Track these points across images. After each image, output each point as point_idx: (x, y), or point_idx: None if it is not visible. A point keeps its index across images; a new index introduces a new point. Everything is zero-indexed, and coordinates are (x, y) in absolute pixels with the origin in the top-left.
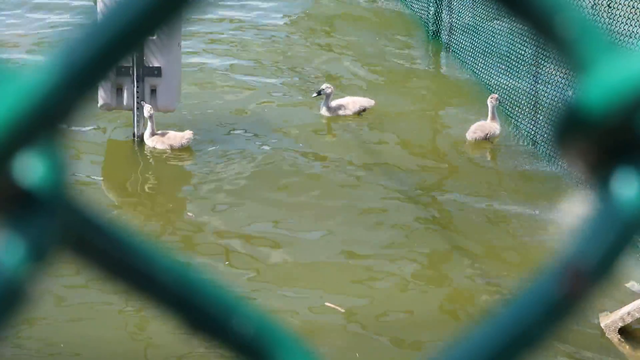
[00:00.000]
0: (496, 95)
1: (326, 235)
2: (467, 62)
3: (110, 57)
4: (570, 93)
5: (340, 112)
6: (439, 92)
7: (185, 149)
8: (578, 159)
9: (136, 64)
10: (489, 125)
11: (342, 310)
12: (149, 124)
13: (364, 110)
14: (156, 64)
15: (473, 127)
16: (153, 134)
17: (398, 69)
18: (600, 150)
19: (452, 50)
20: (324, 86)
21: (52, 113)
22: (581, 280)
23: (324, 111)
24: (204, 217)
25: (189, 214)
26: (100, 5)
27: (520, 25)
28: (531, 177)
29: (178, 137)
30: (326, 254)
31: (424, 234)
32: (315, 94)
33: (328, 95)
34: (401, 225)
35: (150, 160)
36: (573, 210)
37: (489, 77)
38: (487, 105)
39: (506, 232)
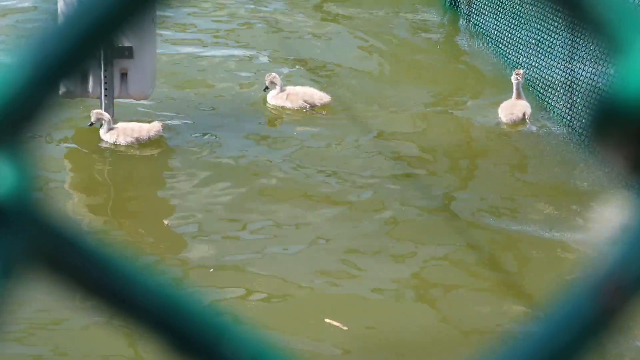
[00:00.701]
0: (522, 71)
1: (325, 243)
2: (491, 35)
3: (79, 53)
4: (610, 73)
5: (284, 104)
6: (455, 71)
7: (154, 143)
8: (616, 155)
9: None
10: (521, 104)
11: (345, 328)
12: (105, 123)
13: (314, 106)
14: (127, 44)
15: (505, 108)
16: (110, 128)
17: (405, 43)
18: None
19: (473, 22)
20: (268, 77)
21: (18, 115)
22: (620, 293)
23: (269, 98)
24: (183, 225)
25: (164, 221)
26: (60, 4)
27: (550, 4)
28: (565, 173)
29: (145, 129)
30: (326, 264)
31: (440, 242)
32: (264, 89)
33: (278, 84)
34: (413, 233)
35: (117, 158)
36: (612, 215)
37: (516, 54)
38: (511, 83)
39: (535, 238)
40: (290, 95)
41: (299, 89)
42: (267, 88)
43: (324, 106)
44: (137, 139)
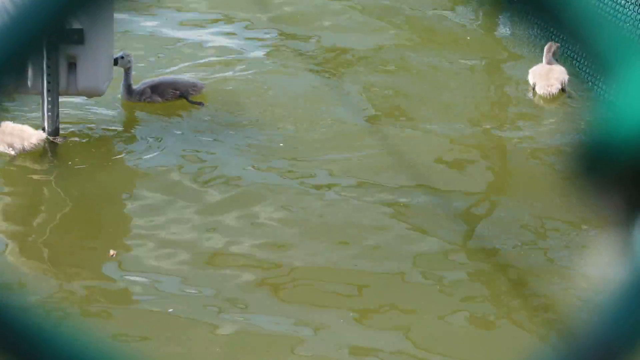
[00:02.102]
0: (557, 45)
1: (308, 287)
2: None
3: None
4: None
5: (149, 98)
6: (487, 52)
7: (41, 154)
8: (611, 198)
9: None
10: (556, 70)
11: None
12: None
13: (186, 97)
14: (76, 26)
15: (539, 75)
16: None
17: (423, 18)
18: (633, 188)
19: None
20: (119, 55)
21: None
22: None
23: (123, 94)
24: (130, 254)
25: (110, 251)
26: None
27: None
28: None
29: (17, 135)
30: (307, 320)
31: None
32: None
33: (126, 70)
34: (430, 272)
35: (60, 169)
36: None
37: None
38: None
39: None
40: (158, 87)
41: (172, 79)
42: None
43: (200, 96)
44: (11, 146)
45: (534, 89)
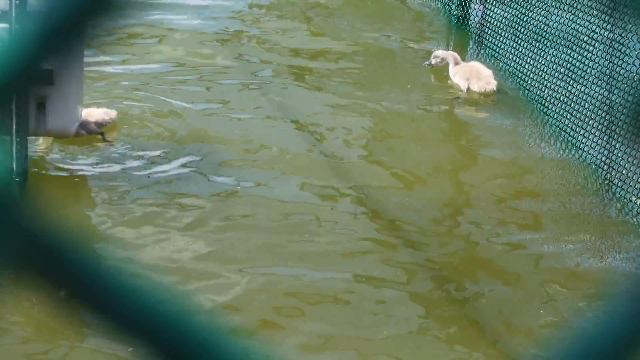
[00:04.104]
0: (440, 51)
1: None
2: (508, 62)
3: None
4: None
5: (81, 129)
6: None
7: None
8: None
9: None
10: (482, 67)
11: None
12: None
13: (102, 131)
14: (46, 66)
15: (465, 73)
16: None
17: (401, 70)
18: None
19: (486, 45)
20: None
21: None
22: None
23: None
24: None
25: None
26: None
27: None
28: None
29: None
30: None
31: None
32: None
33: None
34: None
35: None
36: None
37: (540, 86)
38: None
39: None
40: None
41: (87, 111)
42: None
43: (112, 127)
44: None
45: (468, 87)
